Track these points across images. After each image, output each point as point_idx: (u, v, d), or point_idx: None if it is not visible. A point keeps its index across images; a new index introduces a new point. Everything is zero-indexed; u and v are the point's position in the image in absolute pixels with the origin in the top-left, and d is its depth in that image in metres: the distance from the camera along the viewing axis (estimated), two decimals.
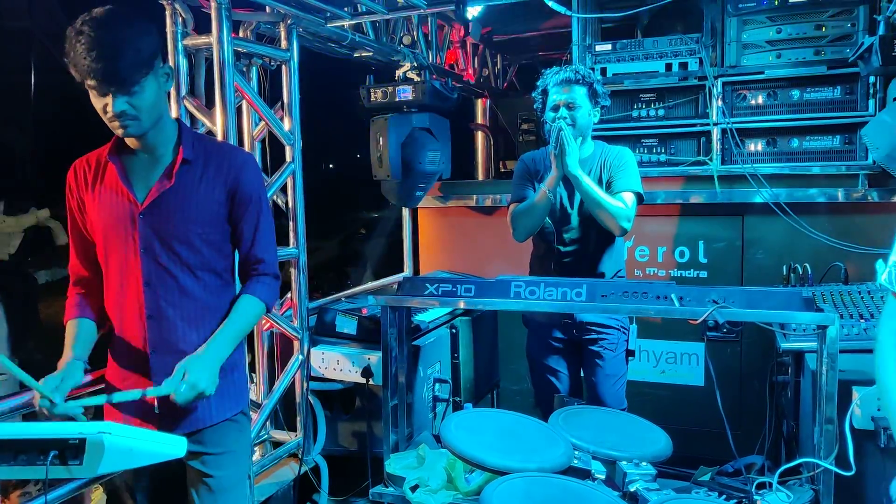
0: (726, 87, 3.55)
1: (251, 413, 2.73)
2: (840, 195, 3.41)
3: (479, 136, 5.58)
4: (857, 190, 3.39)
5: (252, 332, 3.09)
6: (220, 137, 2.61)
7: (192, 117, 2.75)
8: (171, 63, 2.68)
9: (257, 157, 3.16)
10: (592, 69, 3.60)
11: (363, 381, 2.97)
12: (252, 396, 3.01)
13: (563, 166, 2.58)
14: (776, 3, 3.42)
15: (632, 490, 2.04)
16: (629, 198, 2.67)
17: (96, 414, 1.82)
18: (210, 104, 2.69)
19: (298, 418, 3.08)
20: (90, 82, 1.66)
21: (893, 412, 1.07)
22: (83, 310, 1.90)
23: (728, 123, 3.51)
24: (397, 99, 3.54)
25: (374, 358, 2.91)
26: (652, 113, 3.74)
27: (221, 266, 1.92)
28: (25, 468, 1.42)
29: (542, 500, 1.91)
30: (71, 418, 1.63)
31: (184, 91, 2.73)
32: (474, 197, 4.21)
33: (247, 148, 3.10)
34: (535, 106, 2.84)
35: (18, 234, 5.54)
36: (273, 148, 3.16)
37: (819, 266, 3.02)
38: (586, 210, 2.70)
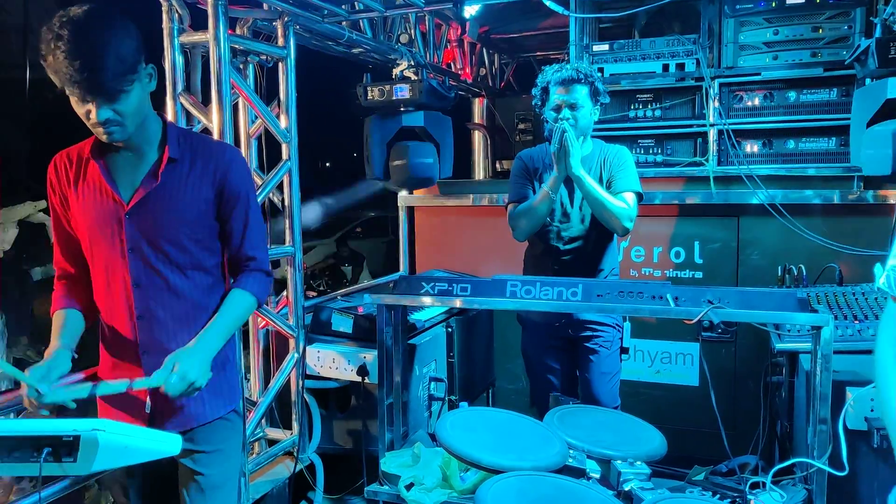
0: (723, 88, 3.56)
1: (246, 411, 2.73)
2: (835, 197, 3.42)
3: (476, 135, 5.58)
4: (853, 192, 3.40)
5: (247, 330, 3.09)
6: (216, 135, 2.60)
7: (188, 114, 2.75)
8: (167, 60, 2.67)
9: (253, 155, 3.16)
10: (595, 68, 3.59)
11: (359, 379, 2.96)
12: (247, 394, 3.01)
13: (566, 167, 2.58)
14: (773, 4, 3.43)
15: (626, 489, 2.04)
16: (631, 198, 2.69)
17: (89, 411, 1.80)
18: (206, 101, 2.69)
19: (294, 416, 3.08)
20: (72, 90, 1.60)
21: (892, 423, 1.06)
22: (70, 301, 1.86)
23: (724, 125, 3.52)
24: (394, 97, 3.53)
25: (370, 356, 2.91)
26: (649, 113, 3.75)
27: (211, 263, 1.89)
28: (19, 465, 1.42)
29: (536, 499, 1.91)
30: (60, 407, 1.61)
31: (180, 88, 2.72)
32: (471, 196, 4.21)
33: (243, 145, 3.09)
34: (533, 103, 2.82)
35: (13, 228, 5.52)
36: (269, 146, 3.15)
37: (814, 267, 3.03)
38: (586, 209, 2.71)
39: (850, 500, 2.08)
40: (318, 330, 3.21)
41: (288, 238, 3.05)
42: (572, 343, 2.84)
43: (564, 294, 2.24)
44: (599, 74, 2.71)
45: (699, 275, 3.74)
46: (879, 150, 2.62)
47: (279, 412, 3.10)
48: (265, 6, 2.90)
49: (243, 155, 3.00)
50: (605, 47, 3.74)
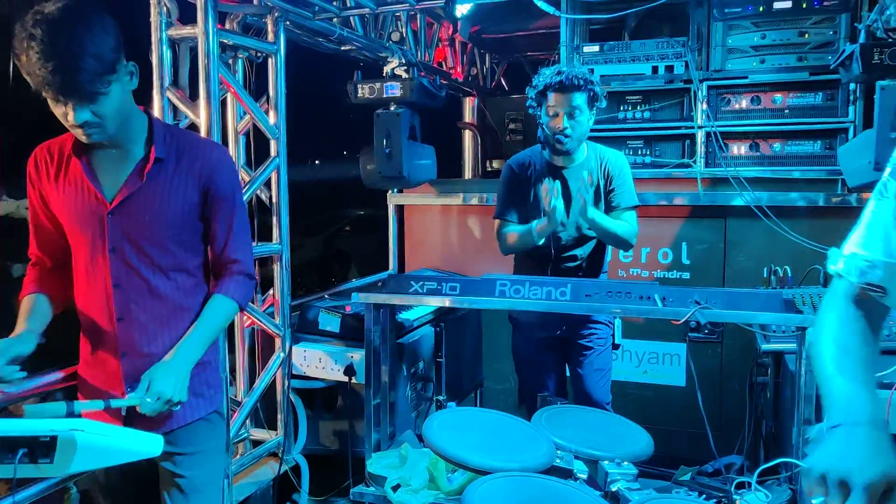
0: (711, 90, 3.58)
1: (231, 411, 2.71)
2: (820, 199, 3.45)
3: (467, 134, 5.57)
4: (837, 194, 3.44)
5: (233, 329, 3.06)
6: (203, 130, 2.57)
7: (176, 109, 2.72)
8: (154, 54, 2.64)
9: (241, 151, 3.14)
10: (590, 70, 3.60)
11: (346, 379, 2.95)
12: (232, 394, 2.98)
13: (579, 217, 2.59)
14: (761, 9, 3.46)
15: (613, 490, 2.04)
16: (632, 216, 2.73)
17: (70, 395, 1.78)
18: (194, 96, 2.66)
19: (279, 417, 3.05)
20: (47, 92, 1.53)
21: (826, 388, 1.07)
22: (40, 286, 1.82)
23: (712, 127, 3.54)
24: (385, 95, 3.52)
25: (357, 356, 2.90)
26: (638, 115, 3.76)
27: (194, 265, 1.86)
28: None
29: (524, 500, 1.91)
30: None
31: (167, 82, 2.69)
32: (461, 195, 4.20)
33: (230, 141, 3.07)
34: (528, 103, 2.78)
35: None
36: (258, 142, 3.13)
37: (799, 269, 3.05)
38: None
39: None
40: (305, 329, 3.18)
41: (275, 235, 3.03)
42: (564, 341, 2.84)
43: (553, 294, 2.25)
44: (597, 78, 2.69)
45: (686, 275, 3.76)
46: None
47: (264, 412, 3.08)
48: (255, 1, 2.88)
49: (231, 151, 3.00)
50: (596, 48, 3.75)
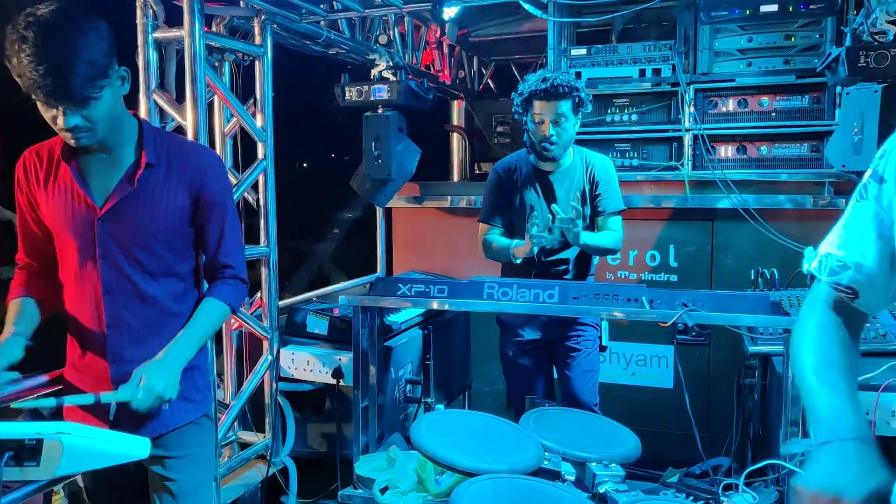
0: (698, 93, 3.60)
1: (219, 414, 2.69)
2: (807, 202, 3.48)
3: (455, 137, 5.57)
4: (824, 197, 3.46)
5: (220, 332, 3.04)
6: (190, 133, 2.56)
7: (162, 112, 2.70)
8: (140, 56, 2.63)
9: (228, 154, 3.12)
10: (572, 74, 3.61)
11: (333, 381, 2.94)
12: (220, 397, 2.96)
13: (572, 241, 2.63)
14: (747, 12, 3.48)
15: (601, 491, 2.05)
16: (618, 221, 2.77)
17: (55, 414, 1.75)
18: (181, 99, 2.65)
19: (267, 419, 3.04)
20: (37, 96, 1.52)
21: (809, 400, 1.06)
22: (28, 290, 1.80)
23: (699, 129, 3.56)
24: (372, 98, 3.52)
25: (345, 359, 2.89)
26: (625, 118, 3.77)
27: (184, 270, 1.85)
28: None
29: (511, 502, 1.90)
30: (33, 410, 1.57)
31: (153, 85, 2.67)
32: (448, 198, 4.20)
33: (217, 144, 3.05)
34: (513, 109, 2.78)
35: None
36: (245, 144, 3.12)
37: (786, 271, 3.07)
38: None
39: None
40: (293, 331, 3.17)
41: (263, 238, 3.02)
42: (551, 344, 2.85)
43: (541, 296, 2.25)
44: (582, 84, 2.71)
45: (674, 278, 3.77)
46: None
47: (252, 415, 3.06)
48: (242, 4, 2.87)
49: (217, 153, 2.98)
50: (583, 52, 3.76)
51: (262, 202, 3.03)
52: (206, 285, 1.95)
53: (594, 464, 2.14)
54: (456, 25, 4.56)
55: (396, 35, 4.08)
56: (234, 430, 3.00)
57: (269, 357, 2.99)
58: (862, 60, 2.76)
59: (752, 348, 2.43)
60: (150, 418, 1.78)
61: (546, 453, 2.16)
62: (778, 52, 3.50)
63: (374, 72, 3.77)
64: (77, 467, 1.43)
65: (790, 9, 3.42)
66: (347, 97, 3.55)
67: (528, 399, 2.68)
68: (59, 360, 1.89)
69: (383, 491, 2.16)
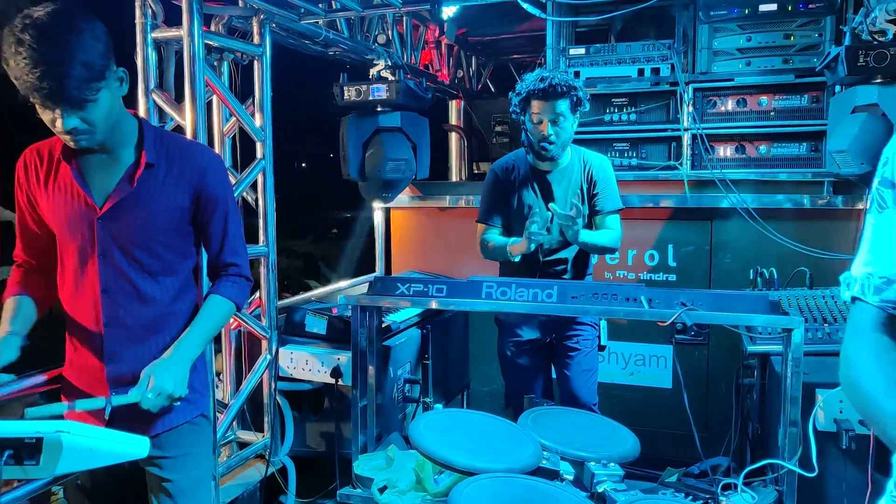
0: (697, 93, 3.60)
1: (217, 413, 2.69)
2: (806, 202, 3.48)
3: (453, 137, 5.58)
4: (823, 197, 3.46)
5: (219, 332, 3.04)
6: (189, 133, 2.56)
7: (161, 111, 2.70)
8: (139, 56, 2.62)
9: (227, 154, 3.12)
10: (571, 73, 3.61)
11: (332, 381, 2.94)
12: (219, 396, 2.96)
13: (571, 239, 2.62)
14: (746, 11, 3.48)
15: (600, 491, 2.05)
16: (616, 220, 2.77)
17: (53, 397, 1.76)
18: (179, 98, 2.64)
19: (266, 419, 3.04)
20: (35, 98, 1.52)
21: (891, 428, 0.99)
22: (24, 287, 1.80)
23: (698, 129, 3.56)
24: (371, 97, 3.52)
25: (344, 358, 2.89)
26: (624, 117, 3.77)
27: (184, 269, 1.86)
28: None
29: (510, 501, 1.90)
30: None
31: (152, 84, 2.67)
32: (447, 198, 4.21)
33: (216, 144, 3.05)
34: (511, 109, 2.78)
35: None
36: (244, 144, 3.12)
37: (785, 271, 3.08)
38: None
39: (820, 502, 2.10)
40: (292, 331, 3.17)
41: (262, 238, 3.01)
42: (550, 343, 2.85)
43: (540, 295, 2.25)
44: (580, 83, 2.70)
45: (673, 277, 3.77)
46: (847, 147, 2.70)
47: (251, 414, 3.06)
48: (241, 3, 2.87)
49: (216, 152, 2.98)
50: (582, 51, 3.76)
51: (260, 202, 3.03)
52: (206, 284, 1.95)
53: (593, 463, 2.14)
54: (455, 25, 4.56)
55: (395, 35, 4.08)
56: (232, 429, 3.00)
57: (268, 356, 2.99)
58: (861, 60, 2.76)
59: (751, 348, 2.44)
60: (148, 417, 1.77)
61: (544, 452, 2.16)
62: (777, 51, 3.50)
63: (373, 71, 3.77)
64: (77, 466, 1.43)
65: (789, 8, 3.42)
66: (346, 97, 3.55)
67: (526, 398, 2.68)
68: (56, 358, 1.89)
69: (382, 490, 2.16)
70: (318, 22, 3.30)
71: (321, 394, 3.15)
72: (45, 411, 1.60)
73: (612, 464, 2.14)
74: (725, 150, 3.62)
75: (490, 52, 5.54)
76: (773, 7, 3.42)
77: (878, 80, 2.75)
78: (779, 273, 3.03)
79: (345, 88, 3.56)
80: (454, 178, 5.55)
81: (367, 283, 2.58)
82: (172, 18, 2.64)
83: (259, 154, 2.98)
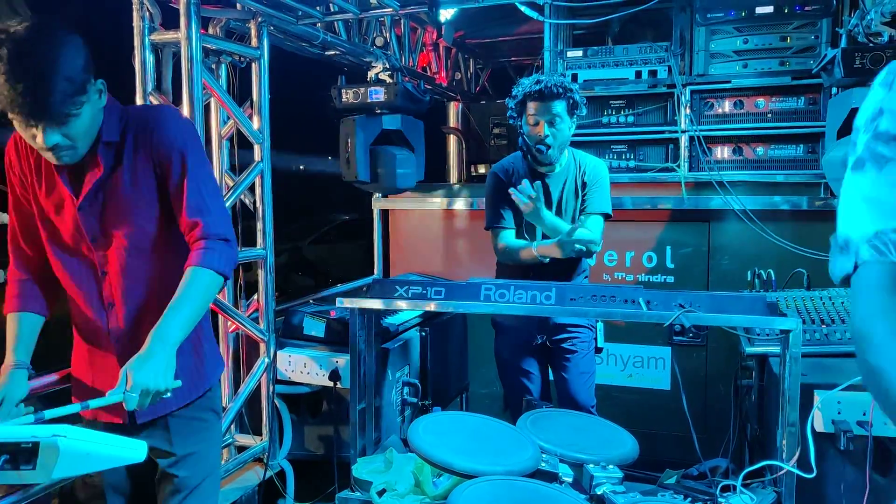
0: (694, 95, 3.61)
1: None
2: (803, 203, 3.49)
3: (451, 139, 5.58)
4: (820, 198, 3.47)
5: (217, 335, 3.03)
6: None
7: None
8: (137, 59, 2.62)
9: (225, 156, 3.11)
10: (568, 76, 3.62)
11: (331, 384, 2.93)
12: None
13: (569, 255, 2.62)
14: (743, 14, 3.49)
15: (599, 493, 2.04)
16: (597, 222, 2.73)
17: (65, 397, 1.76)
18: (177, 101, 2.64)
19: (264, 422, 3.03)
20: (14, 115, 1.48)
21: None
22: (25, 300, 1.78)
23: (695, 131, 3.57)
24: (369, 100, 3.51)
25: (342, 361, 2.88)
26: (622, 119, 3.78)
27: (177, 239, 1.78)
28: None
29: None
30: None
31: (150, 87, 2.67)
32: (446, 200, 4.21)
33: (214, 146, 3.05)
34: (508, 114, 2.79)
35: None
36: (241, 147, 3.11)
37: (783, 272, 3.08)
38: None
39: (818, 503, 2.10)
40: (290, 334, 3.16)
41: (259, 241, 3.01)
42: (546, 345, 2.85)
43: (538, 298, 2.24)
44: (576, 86, 2.71)
45: (671, 279, 3.78)
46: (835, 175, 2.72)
47: (249, 418, 3.05)
48: (238, 6, 2.87)
49: (214, 156, 2.98)
50: (579, 53, 3.77)
51: (258, 204, 3.03)
52: None
53: (592, 465, 2.14)
54: (452, 27, 4.57)
55: (393, 37, 4.09)
56: (230, 433, 2.99)
57: (266, 360, 2.98)
58: (857, 62, 2.77)
59: (749, 349, 2.44)
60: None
61: (543, 455, 2.16)
62: (773, 53, 3.51)
63: (371, 74, 3.77)
64: (74, 470, 1.42)
65: (786, 10, 3.43)
66: (344, 99, 3.55)
67: (525, 401, 2.68)
68: (65, 360, 1.89)
69: (381, 493, 2.16)
70: (315, 24, 3.31)
71: (319, 397, 3.15)
72: (61, 412, 1.58)
73: (611, 466, 2.13)
74: (723, 152, 3.63)
75: (488, 54, 5.54)
76: (769, 9, 3.43)
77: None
78: (776, 274, 3.03)
79: (343, 91, 3.56)
80: (452, 180, 5.55)
81: (366, 286, 2.58)
82: (170, 21, 2.64)
83: (257, 157, 2.98)
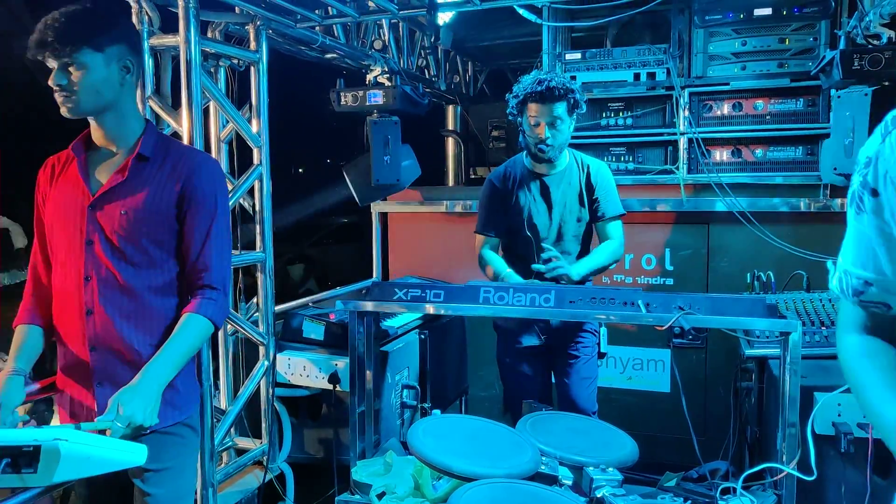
0: (693, 97, 3.62)
1: (215, 420, 2.68)
2: (802, 205, 3.49)
3: (450, 142, 5.58)
4: (819, 200, 3.47)
5: (216, 337, 3.03)
6: (185, 139, 2.56)
7: (158, 118, 2.70)
8: None
9: (224, 160, 3.12)
10: (567, 76, 3.61)
11: (330, 387, 2.93)
12: (216, 403, 2.95)
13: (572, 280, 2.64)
14: (741, 16, 3.50)
15: (598, 496, 2.04)
16: (618, 226, 2.78)
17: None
18: (176, 105, 2.65)
19: (264, 425, 3.03)
20: (38, 51, 1.66)
21: (888, 427, 0.99)
22: (34, 315, 1.86)
23: (694, 133, 3.57)
24: (368, 103, 3.52)
25: (342, 364, 2.88)
26: (620, 122, 3.79)
27: (169, 268, 1.84)
28: None
29: None
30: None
31: (149, 91, 2.67)
32: (444, 203, 4.21)
33: (213, 150, 3.05)
34: (508, 111, 2.79)
35: None
36: (241, 150, 3.12)
37: (782, 274, 3.08)
38: (565, 226, 2.77)
39: None
40: (289, 337, 3.16)
41: (259, 244, 3.01)
42: (549, 350, 2.84)
43: (537, 300, 2.24)
44: (577, 84, 2.72)
45: (670, 281, 3.78)
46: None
47: (249, 421, 3.05)
48: (237, 10, 2.87)
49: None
50: (578, 56, 3.78)
51: (257, 208, 3.03)
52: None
53: (591, 468, 2.14)
54: (451, 30, 4.57)
55: (391, 40, 4.09)
56: (230, 436, 2.99)
57: (266, 363, 2.98)
58: (856, 63, 2.77)
59: (749, 351, 2.43)
60: None
61: (543, 458, 2.16)
62: (772, 55, 3.51)
63: (370, 77, 3.78)
64: (75, 473, 1.42)
65: (784, 12, 3.43)
66: (343, 102, 3.55)
67: (525, 403, 2.67)
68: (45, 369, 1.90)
69: (380, 496, 2.15)
70: (314, 28, 3.31)
71: (319, 400, 3.15)
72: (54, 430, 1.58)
73: (610, 468, 2.13)
74: (722, 154, 3.63)
75: (486, 57, 5.55)
76: (767, 11, 3.44)
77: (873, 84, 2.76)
78: (776, 276, 3.03)
79: (341, 94, 3.56)
80: (451, 182, 5.56)
81: (365, 289, 2.58)
82: (169, 25, 2.64)
83: (256, 160, 2.98)
